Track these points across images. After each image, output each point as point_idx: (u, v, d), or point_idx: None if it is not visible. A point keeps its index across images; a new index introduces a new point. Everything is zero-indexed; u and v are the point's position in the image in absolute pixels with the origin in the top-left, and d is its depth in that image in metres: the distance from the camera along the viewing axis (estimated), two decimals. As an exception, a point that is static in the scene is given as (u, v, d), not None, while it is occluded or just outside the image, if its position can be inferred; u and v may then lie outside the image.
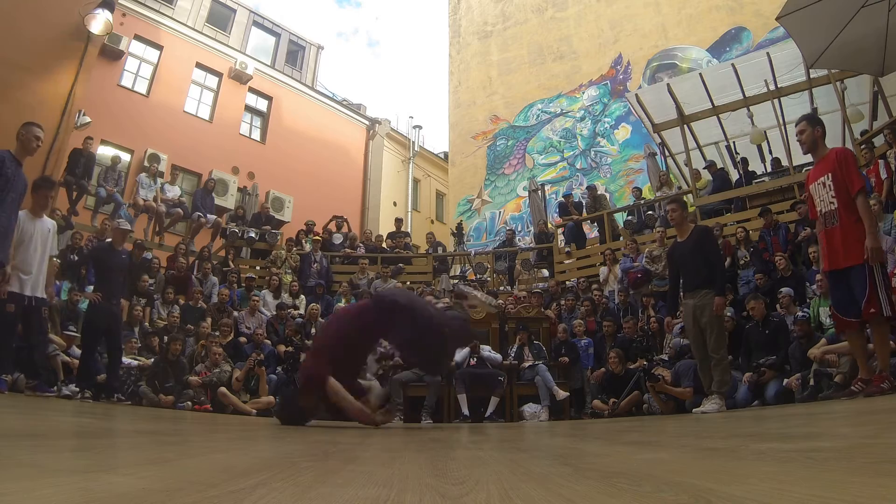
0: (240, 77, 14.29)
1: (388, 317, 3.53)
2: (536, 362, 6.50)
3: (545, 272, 10.32)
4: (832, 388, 4.26)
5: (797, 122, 3.89)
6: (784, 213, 7.60)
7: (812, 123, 3.73)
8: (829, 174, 3.53)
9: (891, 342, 3.64)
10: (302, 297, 8.40)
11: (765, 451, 1.40)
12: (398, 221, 12.08)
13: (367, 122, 17.61)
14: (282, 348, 6.91)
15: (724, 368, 4.41)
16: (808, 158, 8.56)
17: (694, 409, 4.73)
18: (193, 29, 13.84)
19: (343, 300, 8.30)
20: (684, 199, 9.76)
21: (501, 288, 10.11)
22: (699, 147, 10.38)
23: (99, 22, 8.51)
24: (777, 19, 5.99)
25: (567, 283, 9.14)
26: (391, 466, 1.29)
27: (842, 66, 6.88)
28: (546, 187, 13.90)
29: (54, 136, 8.16)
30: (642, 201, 10.52)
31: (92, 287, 5.56)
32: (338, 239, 10.43)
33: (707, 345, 4.48)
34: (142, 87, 12.60)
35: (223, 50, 14.25)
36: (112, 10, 8.76)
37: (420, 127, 19.28)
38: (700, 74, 9.40)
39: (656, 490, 0.84)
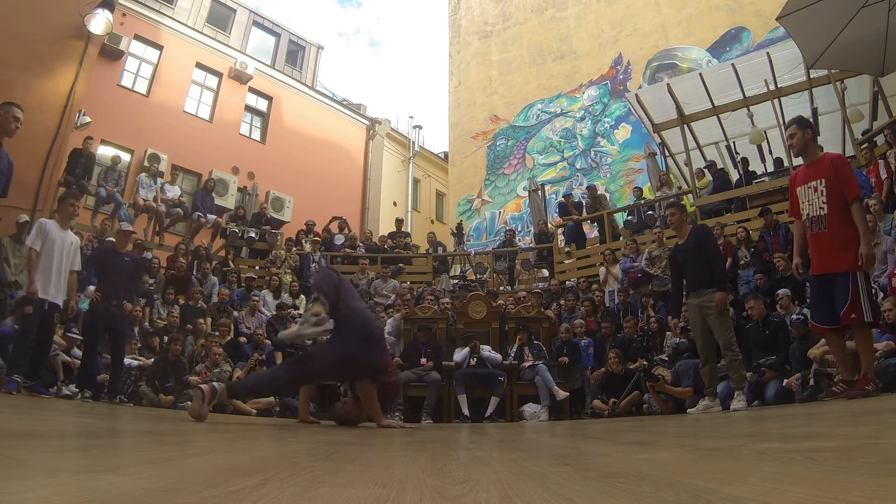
0: (240, 77, 14.29)
1: None
2: (536, 362, 6.51)
3: (545, 272, 10.32)
4: (832, 388, 4.26)
5: (787, 126, 3.80)
6: (784, 213, 7.59)
7: (802, 126, 3.69)
8: (823, 179, 3.50)
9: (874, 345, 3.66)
10: (302, 297, 8.40)
11: (765, 451, 1.40)
12: (398, 221, 12.08)
13: (367, 122, 17.60)
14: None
15: (738, 364, 4.46)
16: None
17: (689, 410, 4.73)
18: (193, 29, 13.83)
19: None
20: (683, 200, 9.78)
21: (501, 288, 10.11)
22: (699, 147, 10.38)
23: (99, 22, 8.49)
24: (777, 19, 5.99)
25: (567, 283, 9.14)
26: (391, 466, 1.29)
27: (842, 66, 6.88)
28: (546, 187, 13.90)
29: (54, 136, 8.15)
30: (642, 201, 10.51)
31: (93, 287, 5.55)
32: (339, 240, 10.43)
33: (713, 343, 4.51)
34: (142, 87, 12.59)
35: (223, 50, 14.25)
36: (112, 9, 8.74)
37: (420, 127, 19.27)
38: (700, 74, 9.39)
39: (656, 490, 0.84)
